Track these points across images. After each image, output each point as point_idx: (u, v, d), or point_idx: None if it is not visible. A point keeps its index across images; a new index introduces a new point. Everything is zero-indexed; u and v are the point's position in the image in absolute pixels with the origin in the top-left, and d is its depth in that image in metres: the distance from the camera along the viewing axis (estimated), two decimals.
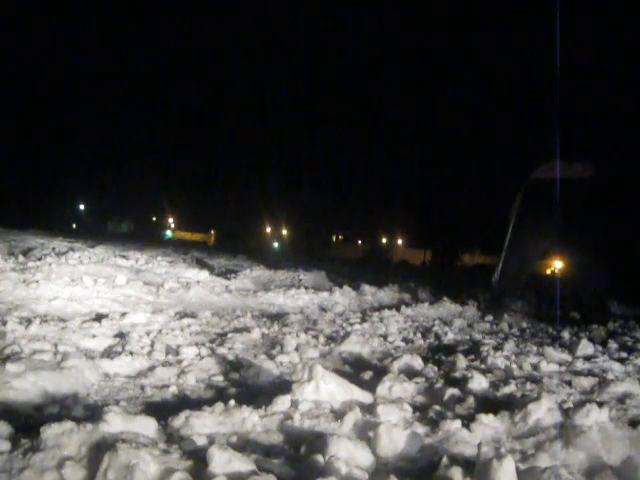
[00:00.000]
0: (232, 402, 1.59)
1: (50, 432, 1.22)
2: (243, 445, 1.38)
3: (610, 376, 2.24)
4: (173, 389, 1.88)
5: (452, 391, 1.88)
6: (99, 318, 2.84)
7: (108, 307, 3.27)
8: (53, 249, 6.03)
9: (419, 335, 3.17)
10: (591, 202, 4.04)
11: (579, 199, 4.01)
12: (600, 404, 1.58)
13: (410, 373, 2.19)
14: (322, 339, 2.81)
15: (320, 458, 1.25)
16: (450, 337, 3.20)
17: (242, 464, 1.15)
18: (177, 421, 1.45)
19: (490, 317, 4.06)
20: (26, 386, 1.68)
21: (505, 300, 4.35)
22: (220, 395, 1.85)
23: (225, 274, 5.59)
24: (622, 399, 1.89)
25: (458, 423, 1.49)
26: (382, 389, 1.90)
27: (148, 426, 1.36)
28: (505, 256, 4.43)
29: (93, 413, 1.53)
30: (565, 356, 2.68)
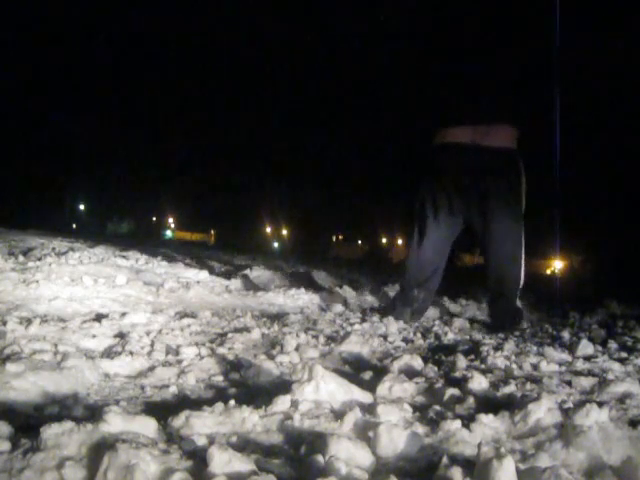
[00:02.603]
0: (232, 402, 1.59)
1: (50, 432, 1.22)
2: (243, 445, 1.37)
3: (610, 376, 2.23)
4: (173, 389, 1.88)
5: (452, 391, 1.88)
6: (99, 318, 2.84)
7: (108, 307, 3.27)
8: (53, 249, 6.03)
9: (419, 335, 3.17)
10: (510, 181, 3.26)
11: (494, 174, 3.22)
12: (600, 404, 1.58)
13: (410, 373, 2.19)
14: (322, 339, 2.81)
15: (320, 458, 1.25)
16: (450, 337, 3.20)
17: (242, 464, 1.15)
18: (177, 421, 1.45)
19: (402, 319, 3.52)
20: (26, 386, 1.68)
21: (413, 294, 3.60)
22: (220, 395, 1.85)
23: (225, 274, 5.59)
24: (622, 399, 1.89)
25: (458, 423, 1.49)
26: (382, 389, 1.90)
27: (148, 426, 1.36)
28: (408, 249, 3.72)
29: (93, 413, 1.53)
30: (565, 356, 2.68)
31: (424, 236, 3.59)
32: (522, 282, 3.51)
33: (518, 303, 3.55)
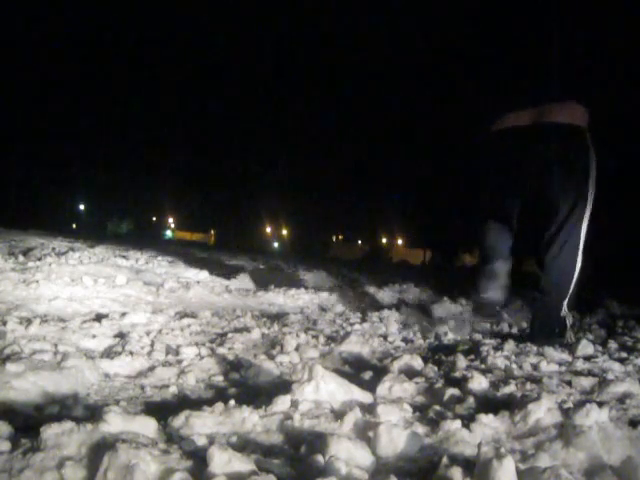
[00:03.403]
0: (232, 402, 1.59)
1: (50, 432, 1.21)
2: (243, 445, 1.37)
3: (610, 376, 2.23)
4: (173, 389, 1.87)
5: (452, 391, 1.88)
6: (99, 318, 2.84)
7: (108, 307, 3.27)
8: (53, 249, 6.03)
9: (419, 335, 3.17)
10: (576, 161, 2.91)
11: (561, 154, 2.89)
12: (600, 404, 1.58)
13: (410, 373, 2.19)
14: (322, 339, 2.81)
15: (320, 458, 1.24)
16: (450, 337, 3.20)
17: (242, 464, 1.15)
18: (177, 421, 1.45)
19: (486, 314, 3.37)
20: (26, 386, 1.68)
21: (496, 268, 3.26)
22: (220, 395, 1.85)
23: (225, 274, 5.59)
24: (622, 399, 1.89)
25: (458, 423, 1.49)
26: (382, 389, 1.89)
27: (148, 426, 1.36)
28: (480, 224, 3.37)
29: (93, 413, 1.53)
30: (565, 356, 2.68)
31: (490, 218, 3.26)
32: (573, 284, 2.98)
33: (564, 311, 3.01)
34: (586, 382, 2.09)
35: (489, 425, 1.54)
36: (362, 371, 2.23)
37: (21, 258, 4.79)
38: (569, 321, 3.02)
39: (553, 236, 2.95)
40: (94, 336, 2.44)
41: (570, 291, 2.96)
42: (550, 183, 2.95)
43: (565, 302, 3.00)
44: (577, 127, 2.90)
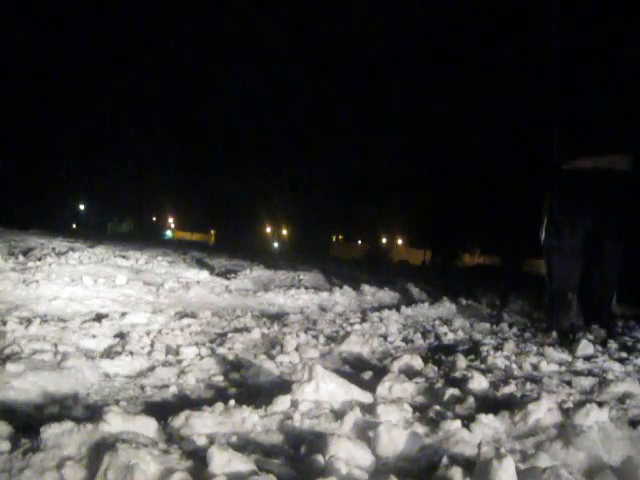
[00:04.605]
0: (232, 402, 1.59)
1: (50, 432, 1.21)
2: (243, 445, 1.37)
3: (610, 376, 2.23)
4: (173, 389, 1.87)
5: (452, 391, 1.88)
6: (99, 318, 2.84)
7: (108, 307, 3.27)
8: (53, 249, 6.04)
9: (419, 335, 3.17)
10: (625, 196, 3.79)
11: (617, 191, 3.77)
12: (600, 404, 1.58)
13: (410, 373, 2.19)
14: (322, 339, 2.81)
15: (320, 458, 1.25)
16: (450, 337, 3.20)
17: (242, 464, 1.15)
18: (177, 421, 1.45)
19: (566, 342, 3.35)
20: (26, 386, 1.68)
21: (569, 297, 3.84)
22: (220, 395, 1.85)
23: (225, 274, 5.59)
24: (622, 399, 1.89)
25: (458, 423, 1.49)
26: (382, 389, 1.89)
27: (148, 426, 1.36)
28: (550, 257, 3.98)
29: (93, 413, 1.53)
30: (565, 356, 2.68)
31: (565, 248, 3.92)
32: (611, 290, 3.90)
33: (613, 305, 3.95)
34: (586, 382, 2.09)
35: (489, 425, 1.54)
36: (362, 371, 2.23)
37: (21, 258, 4.80)
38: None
39: (612, 252, 3.85)
40: (94, 336, 2.44)
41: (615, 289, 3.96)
42: (606, 219, 3.82)
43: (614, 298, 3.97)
44: (628, 173, 3.73)
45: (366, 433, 1.43)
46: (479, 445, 1.23)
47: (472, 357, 2.55)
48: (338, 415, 1.57)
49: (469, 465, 1.22)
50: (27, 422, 1.45)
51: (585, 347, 2.80)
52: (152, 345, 2.39)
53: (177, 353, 2.33)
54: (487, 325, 3.77)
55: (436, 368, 2.31)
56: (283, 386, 1.89)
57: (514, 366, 2.36)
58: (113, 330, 2.65)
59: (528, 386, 2.02)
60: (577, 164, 3.88)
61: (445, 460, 1.25)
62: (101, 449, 1.17)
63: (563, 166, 3.93)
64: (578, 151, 3.86)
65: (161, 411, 1.59)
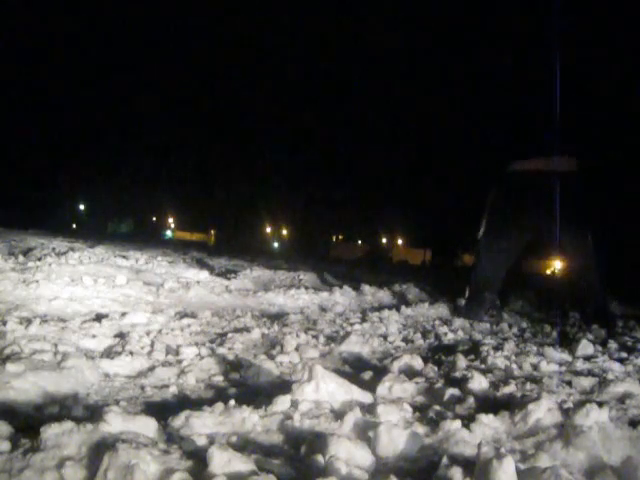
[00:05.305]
0: (232, 402, 1.59)
1: (50, 432, 1.21)
2: (243, 445, 1.37)
3: (610, 376, 2.23)
4: (173, 389, 1.88)
5: (452, 391, 1.88)
6: (99, 318, 2.84)
7: (108, 307, 3.27)
8: (53, 249, 6.04)
9: (419, 335, 3.17)
10: (575, 197, 3.86)
11: (561, 193, 3.83)
12: (600, 404, 1.58)
13: (410, 373, 2.19)
14: (322, 339, 2.81)
15: (320, 458, 1.25)
16: (450, 337, 3.20)
17: (242, 464, 1.15)
18: (177, 421, 1.45)
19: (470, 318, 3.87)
20: (26, 386, 1.68)
21: (485, 296, 4.10)
22: (220, 395, 1.85)
23: (225, 274, 5.59)
24: (622, 399, 1.89)
25: (458, 423, 1.49)
26: (382, 389, 1.90)
27: (148, 426, 1.36)
28: (479, 255, 4.22)
29: (93, 413, 1.53)
30: (565, 356, 2.68)
31: (497, 248, 4.09)
32: (598, 289, 3.90)
33: (607, 306, 4.02)
34: (586, 382, 2.09)
35: (489, 425, 1.54)
36: (362, 371, 2.23)
37: (21, 258, 4.79)
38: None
39: (575, 258, 3.99)
40: (94, 336, 2.44)
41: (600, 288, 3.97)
42: (558, 217, 3.77)
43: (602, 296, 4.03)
44: (574, 173, 3.86)
45: (366, 433, 1.43)
46: (479, 445, 1.23)
47: (472, 357, 2.55)
48: (338, 415, 1.57)
49: (469, 465, 1.22)
50: (27, 422, 1.45)
51: (585, 347, 2.80)
52: (152, 345, 2.39)
53: (177, 353, 2.33)
54: (487, 325, 3.77)
55: (436, 368, 2.31)
56: (283, 386, 1.89)
57: (514, 366, 2.36)
58: (113, 330, 2.65)
59: (528, 386, 2.02)
60: (523, 165, 3.99)
61: (445, 460, 1.25)
62: (101, 449, 1.17)
63: (508, 167, 4.06)
64: (524, 153, 3.97)
65: (161, 411, 1.59)
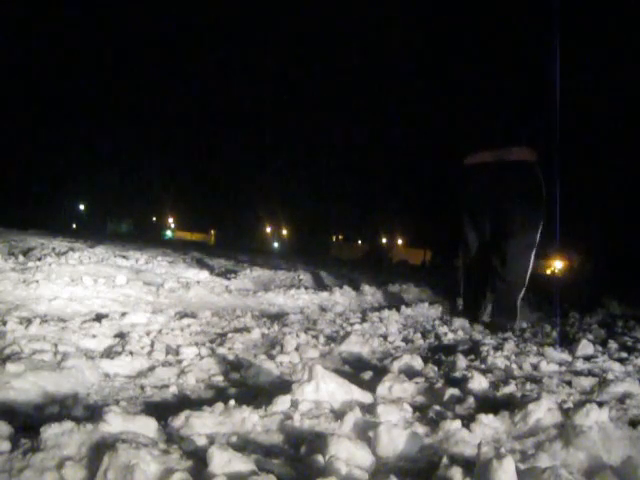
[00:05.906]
0: (232, 402, 1.59)
1: (50, 432, 1.21)
2: (243, 445, 1.37)
3: (610, 376, 2.23)
4: (173, 389, 1.87)
5: (452, 391, 1.88)
6: (99, 318, 2.84)
7: (108, 307, 3.27)
8: (53, 249, 6.04)
9: (419, 335, 3.17)
10: (531, 187, 3.76)
11: (518, 184, 3.76)
12: (600, 404, 1.58)
13: (410, 373, 2.19)
14: (322, 339, 2.81)
15: (320, 458, 1.25)
16: (450, 337, 3.20)
17: (242, 464, 1.15)
18: (177, 421, 1.45)
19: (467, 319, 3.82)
20: (26, 386, 1.68)
21: (479, 295, 4.06)
22: (220, 395, 1.85)
23: (225, 274, 5.59)
24: (622, 399, 1.89)
25: (458, 423, 1.49)
26: (382, 389, 1.90)
27: (148, 426, 1.36)
28: (461, 265, 4.20)
29: (93, 413, 1.53)
30: (565, 356, 2.68)
31: (470, 244, 4.06)
32: (526, 284, 3.79)
33: (518, 303, 3.84)
34: (586, 382, 2.09)
35: (489, 425, 1.54)
36: (362, 371, 2.23)
37: (21, 258, 4.79)
38: (519, 311, 3.84)
39: (516, 243, 3.74)
40: (94, 336, 2.44)
41: (525, 285, 3.77)
42: (511, 203, 3.76)
43: (519, 298, 3.81)
44: (530, 163, 3.77)
45: (366, 433, 1.43)
46: (479, 445, 1.23)
47: (472, 357, 2.55)
48: (338, 415, 1.57)
49: (469, 465, 1.22)
50: (27, 422, 1.45)
51: (585, 347, 2.80)
52: (152, 345, 2.39)
53: (177, 353, 2.33)
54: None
55: (436, 368, 2.31)
56: (283, 386, 1.89)
57: (514, 366, 2.36)
58: (113, 330, 2.65)
59: (528, 386, 2.02)
60: (476, 158, 3.90)
61: (445, 460, 1.25)
62: (101, 449, 1.17)
63: (465, 160, 3.99)
64: (478, 145, 3.88)
65: (161, 411, 1.59)
